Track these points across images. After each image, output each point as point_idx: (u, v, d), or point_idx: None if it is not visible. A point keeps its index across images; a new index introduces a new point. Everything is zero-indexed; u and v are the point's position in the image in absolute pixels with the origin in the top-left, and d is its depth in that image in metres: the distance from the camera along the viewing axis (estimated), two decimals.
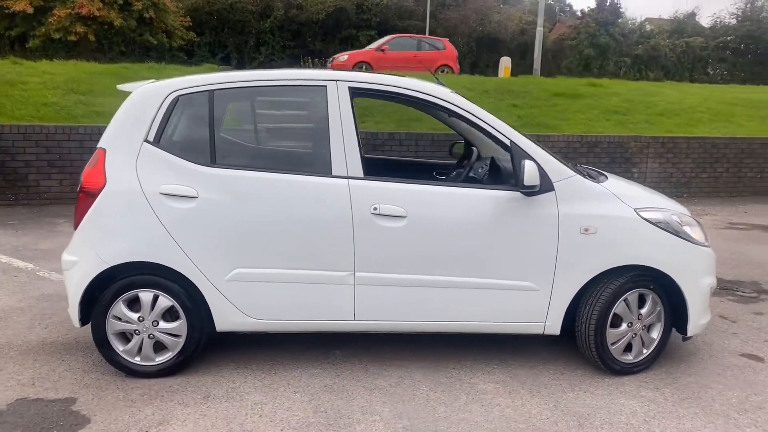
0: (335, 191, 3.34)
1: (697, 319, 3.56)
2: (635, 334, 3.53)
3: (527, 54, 34.38)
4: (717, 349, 3.97)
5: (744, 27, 39.82)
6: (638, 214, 3.46)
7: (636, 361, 3.56)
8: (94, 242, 3.30)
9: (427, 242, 3.37)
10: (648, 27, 41.14)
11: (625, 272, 3.44)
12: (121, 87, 3.76)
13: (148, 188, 3.29)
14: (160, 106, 3.37)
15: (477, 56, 34.70)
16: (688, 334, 3.58)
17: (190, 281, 3.36)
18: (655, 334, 3.58)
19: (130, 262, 3.32)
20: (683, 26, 40.79)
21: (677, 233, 3.48)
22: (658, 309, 3.55)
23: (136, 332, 3.39)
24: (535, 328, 3.52)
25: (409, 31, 35.62)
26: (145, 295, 3.36)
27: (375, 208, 3.33)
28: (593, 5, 32.84)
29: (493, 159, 3.83)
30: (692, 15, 42.55)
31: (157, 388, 3.32)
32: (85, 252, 3.32)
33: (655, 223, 3.46)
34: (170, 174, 3.32)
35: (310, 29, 33.77)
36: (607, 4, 31.50)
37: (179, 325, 3.40)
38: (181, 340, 3.42)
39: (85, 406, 3.12)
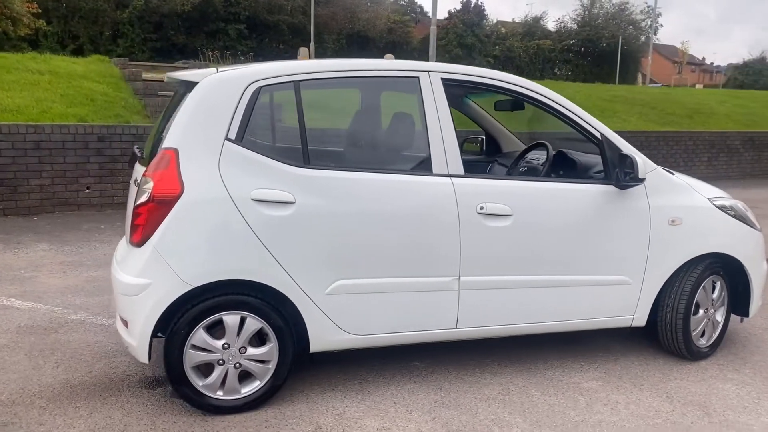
0: (441, 191, 3.09)
1: (757, 300, 3.78)
2: (708, 319, 3.67)
3: (396, 52, 35.09)
4: (759, 328, 4.26)
5: (584, 32, 43.92)
6: (712, 203, 3.59)
7: (708, 345, 3.71)
8: (172, 260, 2.77)
9: (532, 241, 3.24)
10: (502, 29, 43.93)
11: (703, 260, 3.55)
12: (173, 75, 3.21)
13: (237, 194, 2.82)
14: (240, 99, 2.90)
15: (348, 54, 34.87)
16: (750, 316, 3.79)
17: (286, 298, 2.94)
18: (720, 317, 3.75)
19: (217, 282, 2.83)
20: (533, 29, 44.07)
21: (743, 219, 3.67)
22: (723, 293, 3.72)
23: (220, 362, 2.91)
24: (624, 321, 3.53)
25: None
26: (231, 319, 2.88)
27: (481, 208, 3.13)
28: (458, 6, 34.30)
29: (562, 153, 3.78)
30: (538, 19, 46.08)
31: (252, 425, 2.87)
32: (161, 272, 2.77)
33: (727, 211, 3.61)
34: (261, 177, 2.87)
35: (173, 21, 31.81)
36: (472, 5, 33.06)
37: (269, 350, 2.96)
38: (271, 366, 2.99)
39: None
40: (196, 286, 2.79)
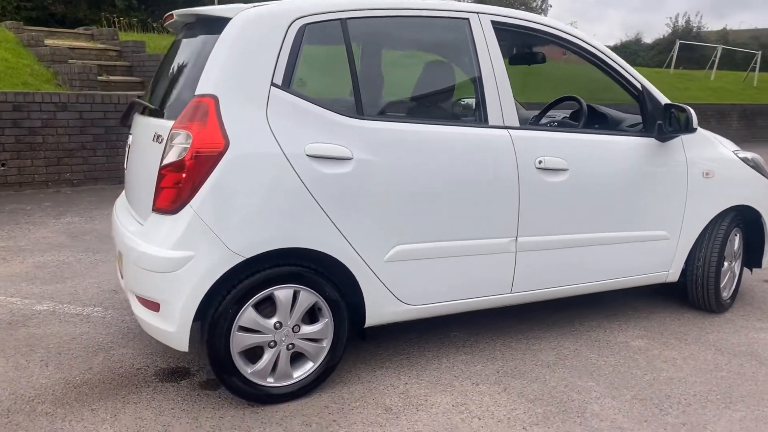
0: (500, 144, 2.84)
1: None
2: (731, 271, 3.70)
3: None
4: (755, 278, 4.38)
5: None
6: (737, 156, 3.60)
7: (729, 297, 3.74)
8: (219, 228, 2.33)
9: (585, 197, 3.07)
10: None
11: (729, 213, 3.56)
12: (190, 11, 2.72)
13: (290, 149, 2.42)
14: (284, 38, 2.48)
15: None
16: (762, 266, 3.87)
17: (343, 268, 2.59)
18: (737, 269, 3.79)
19: (271, 252, 2.43)
20: None
21: (763, 172, 3.71)
22: (740, 245, 3.76)
23: (271, 345, 2.52)
24: (659, 277, 3.48)
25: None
26: (284, 293, 2.50)
27: (540, 162, 2.92)
28: None
29: (590, 107, 3.64)
30: None
31: (312, 412, 2.51)
32: (205, 243, 2.33)
33: (748, 163, 3.63)
34: (314, 129, 2.48)
35: None
36: None
37: (323, 327, 2.61)
38: (326, 345, 2.64)
39: None
40: (248, 257, 2.38)
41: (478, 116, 2.86)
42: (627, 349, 3.17)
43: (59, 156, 7.00)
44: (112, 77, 9.60)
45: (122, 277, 2.71)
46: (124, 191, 3.23)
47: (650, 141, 3.25)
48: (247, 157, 2.35)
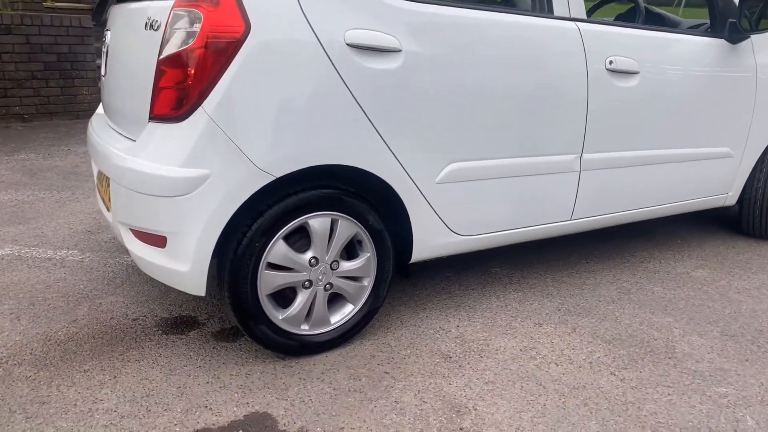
0: (568, 38, 2.36)
1: None
2: None
3: None
4: None
5: None
6: None
7: None
8: (242, 138, 1.81)
9: (654, 106, 2.64)
10: None
11: None
12: None
13: (327, 36, 1.89)
14: None
15: None
16: None
17: (389, 191, 2.11)
18: None
19: (304, 170, 1.93)
20: None
21: None
22: None
23: (306, 285, 2.05)
24: (718, 200, 3.12)
25: None
26: (320, 223, 2.01)
27: (610, 62, 2.45)
28: None
29: (647, 8, 3.16)
30: None
31: (358, 364, 2.08)
32: (224, 157, 1.81)
33: None
34: (355, 11, 1.95)
35: None
36: None
37: (365, 263, 2.15)
38: (368, 284, 2.18)
39: (294, 419, 1.78)
40: (279, 176, 1.88)
41: (540, 4, 2.36)
42: (691, 281, 2.82)
43: (6, 87, 6.19)
44: (58, 3, 8.61)
45: (109, 209, 2.18)
46: (100, 106, 2.64)
47: (719, 43, 2.81)
48: (273, 44, 1.81)
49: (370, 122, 1.97)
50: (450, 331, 2.30)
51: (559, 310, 2.50)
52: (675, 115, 2.70)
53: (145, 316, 2.36)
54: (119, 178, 1.97)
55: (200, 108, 1.78)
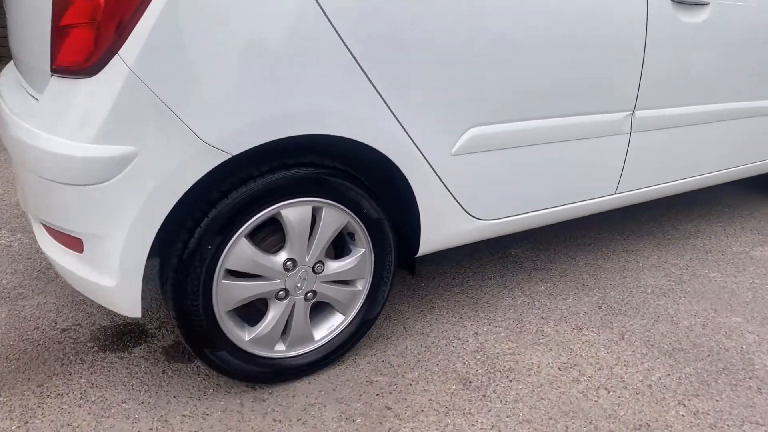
0: None
1: None
2: None
3: None
4: None
5: None
6: None
7: None
8: (179, 101, 1.25)
9: (728, 47, 2.09)
10: None
11: None
12: None
13: None
14: None
15: None
16: None
17: (392, 168, 1.57)
18: None
19: (272, 144, 1.38)
20: None
21: None
22: None
23: (280, 295, 1.53)
24: None
25: None
26: (298, 213, 1.48)
27: None
28: None
29: None
30: None
31: (348, 396, 1.59)
32: (156, 129, 1.25)
33: None
34: None
35: None
36: None
37: (358, 262, 1.63)
38: (362, 288, 1.67)
39: None
40: (237, 153, 1.33)
41: None
42: (753, 263, 2.33)
43: None
44: None
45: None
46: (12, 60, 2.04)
47: None
48: None
49: (364, 73, 1.42)
50: (467, 342, 1.81)
51: (600, 307, 2.01)
52: (751, 59, 2.15)
53: (79, 324, 1.85)
54: (19, 155, 1.41)
55: (116, 56, 1.21)
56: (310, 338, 1.63)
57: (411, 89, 1.50)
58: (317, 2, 1.32)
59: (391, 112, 1.49)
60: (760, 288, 2.14)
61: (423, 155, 1.58)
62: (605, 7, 1.75)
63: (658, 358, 1.75)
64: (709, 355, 1.77)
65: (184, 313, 1.42)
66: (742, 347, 1.81)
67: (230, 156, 1.32)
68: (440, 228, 1.73)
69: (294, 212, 1.47)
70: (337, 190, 1.51)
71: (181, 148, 1.27)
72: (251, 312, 1.58)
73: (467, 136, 1.64)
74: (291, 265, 1.51)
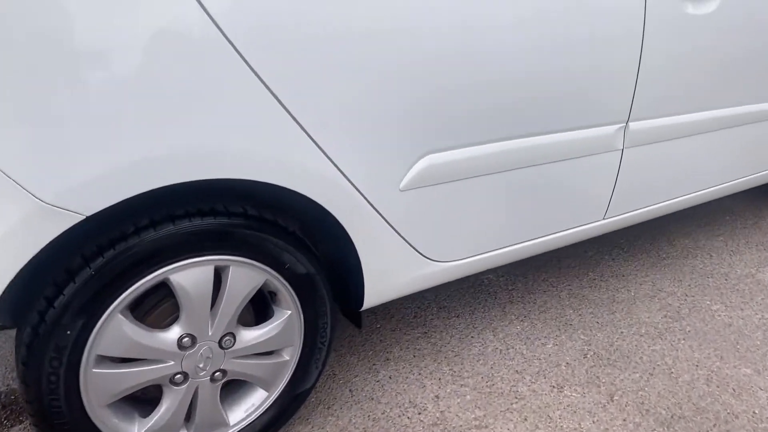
0: None
1: None
2: None
3: None
4: None
5: None
6: None
7: None
8: (9, 152, 0.89)
9: (741, 40, 1.74)
10: None
11: None
12: None
13: None
14: None
15: None
16: None
17: (321, 213, 1.22)
18: None
19: (146, 195, 1.02)
20: None
21: None
22: None
23: (177, 379, 1.19)
24: None
25: None
26: (191, 277, 1.12)
27: None
28: None
29: None
30: None
31: None
32: None
33: None
34: None
35: None
36: None
37: (282, 327, 1.28)
38: (292, 357, 1.33)
39: None
40: (93, 213, 0.97)
41: None
42: (760, 290, 2.02)
43: None
44: None
45: None
46: None
47: None
48: None
49: (271, 93, 1.05)
50: (425, 410, 1.49)
51: (585, 355, 1.69)
52: (760, 54, 1.81)
53: None
54: None
55: None
56: (222, 423, 1.29)
57: (339, 110, 1.14)
58: (199, 2, 0.95)
59: (314, 142, 1.13)
60: None
61: (361, 194, 1.23)
62: (595, 3, 1.39)
63: (655, 429, 1.43)
64: (715, 425, 1.46)
65: (43, 412, 1.08)
66: (754, 412, 1.50)
67: (84, 217, 0.96)
68: (389, 276, 1.39)
69: (188, 276, 1.11)
70: (247, 243, 1.16)
71: (10, 210, 0.91)
72: (145, 397, 1.24)
73: (420, 167, 1.29)
74: (189, 341, 1.16)
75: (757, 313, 1.89)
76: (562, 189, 1.58)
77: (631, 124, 1.60)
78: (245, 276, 1.18)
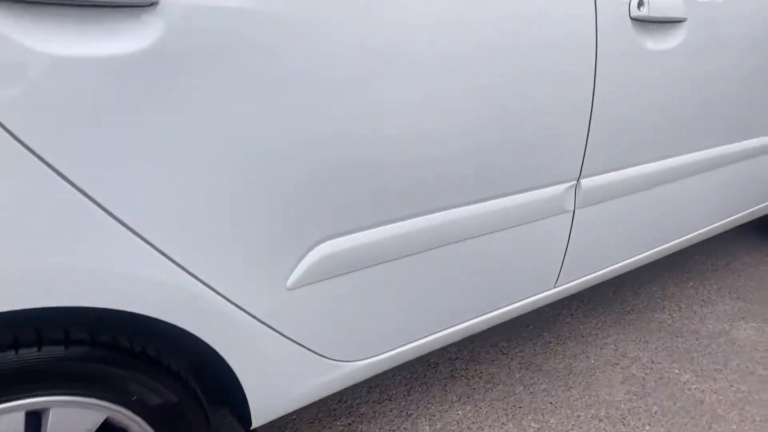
0: None
1: None
2: None
3: None
4: None
5: None
6: None
7: None
8: None
9: (711, 77, 1.49)
10: None
11: None
12: None
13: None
14: None
15: None
16: None
17: (179, 334, 0.93)
18: None
19: None
20: None
21: None
22: None
23: None
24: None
25: None
26: None
27: (640, 5, 1.26)
28: None
29: None
30: None
31: None
32: None
33: None
34: None
35: None
36: None
37: None
38: None
39: None
40: None
41: None
42: (735, 352, 1.79)
43: None
44: None
45: None
46: None
47: None
48: None
49: (97, 205, 0.77)
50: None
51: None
52: (734, 89, 1.57)
53: None
54: None
55: None
56: None
57: (188, 207, 0.85)
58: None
59: (157, 250, 0.84)
60: (747, 402, 1.59)
61: (233, 304, 0.95)
62: (535, 33, 1.12)
63: None
64: None
65: None
66: None
67: None
68: (282, 389, 1.11)
69: None
70: (74, 376, 0.86)
71: None
72: None
73: (312, 259, 1.01)
74: None
75: (732, 385, 1.65)
76: (501, 262, 1.31)
77: (582, 181, 1.34)
78: (75, 417, 0.89)
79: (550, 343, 1.81)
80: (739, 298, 2.07)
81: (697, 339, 1.84)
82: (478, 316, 1.36)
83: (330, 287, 1.07)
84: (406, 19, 0.96)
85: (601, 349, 1.79)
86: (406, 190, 1.06)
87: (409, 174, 1.05)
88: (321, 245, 1.01)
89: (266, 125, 0.87)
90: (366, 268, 1.09)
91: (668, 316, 1.95)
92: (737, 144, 1.68)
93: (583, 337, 1.84)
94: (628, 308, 2.00)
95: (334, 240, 1.02)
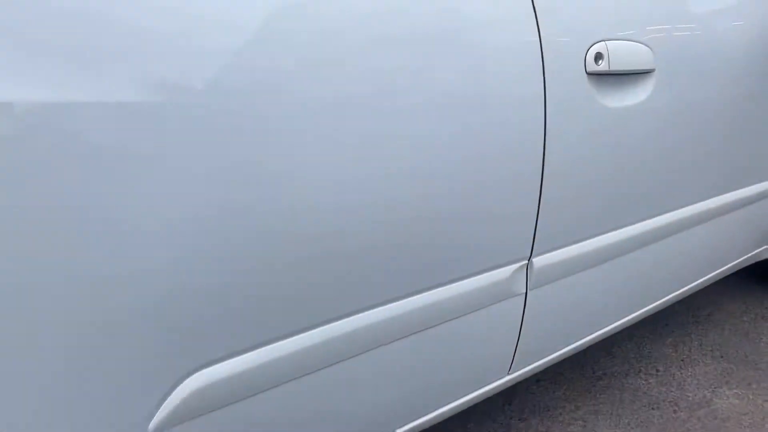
0: (505, 18, 0.95)
1: None
2: None
3: None
4: None
5: None
6: None
7: None
8: None
9: (680, 135, 1.30)
10: None
11: None
12: None
13: None
14: None
15: None
16: None
17: None
18: None
19: None
20: None
21: None
22: None
23: None
24: (750, 258, 1.89)
25: None
26: None
27: (598, 58, 1.07)
28: None
29: None
30: None
31: None
32: None
33: None
34: None
35: None
36: None
37: None
38: None
39: None
40: None
41: None
42: (719, 427, 1.59)
43: None
44: None
45: None
46: None
47: None
48: None
49: None
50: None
51: None
52: (710, 144, 1.38)
53: None
54: None
55: None
56: None
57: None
58: None
59: None
60: None
61: None
62: (469, 94, 0.92)
63: None
64: None
65: None
66: None
67: None
68: None
69: None
70: None
71: None
72: None
73: (181, 394, 0.80)
74: None
75: None
76: (440, 359, 1.11)
77: (535, 260, 1.14)
78: None
79: (511, 419, 1.61)
80: (722, 356, 1.88)
81: (675, 411, 1.64)
82: (424, 416, 1.16)
83: (217, 419, 0.86)
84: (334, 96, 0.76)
85: (569, 426, 1.59)
86: (307, 292, 0.86)
87: (316, 268, 0.85)
88: (190, 378, 0.80)
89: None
90: (258, 394, 0.88)
91: (644, 382, 1.76)
92: (712, 200, 1.50)
93: (548, 411, 1.64)
94: (600, 372, 1.80)
95: (210, 368, 0.81)
